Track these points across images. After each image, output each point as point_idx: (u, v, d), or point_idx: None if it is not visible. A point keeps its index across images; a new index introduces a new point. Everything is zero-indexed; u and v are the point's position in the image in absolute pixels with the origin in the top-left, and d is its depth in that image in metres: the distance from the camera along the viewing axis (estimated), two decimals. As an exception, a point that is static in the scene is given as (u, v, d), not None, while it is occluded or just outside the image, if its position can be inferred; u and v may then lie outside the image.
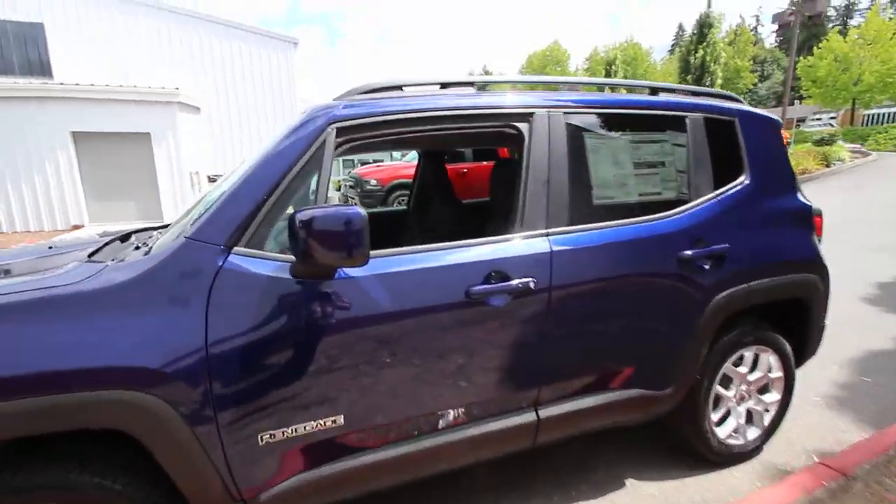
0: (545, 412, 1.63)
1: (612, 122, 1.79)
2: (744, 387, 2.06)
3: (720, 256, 1.80)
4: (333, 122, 1.39)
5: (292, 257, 1.24)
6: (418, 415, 1.46)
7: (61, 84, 10.24)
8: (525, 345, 1.55)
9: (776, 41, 46.20)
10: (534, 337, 1.56)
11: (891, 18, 26.58)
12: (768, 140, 2.05)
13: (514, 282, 1.48)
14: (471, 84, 1.66)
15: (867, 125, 28.25)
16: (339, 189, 11.87)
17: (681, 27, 49.77)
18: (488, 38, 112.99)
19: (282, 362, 1.26)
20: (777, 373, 2.10)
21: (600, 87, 2.31)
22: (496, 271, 1.47)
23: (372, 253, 1.27)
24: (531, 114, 1.62)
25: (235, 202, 1.28)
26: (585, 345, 1.67)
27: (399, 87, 1.57)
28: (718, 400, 2.02)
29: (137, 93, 10.14)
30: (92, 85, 10.12)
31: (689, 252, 1.74)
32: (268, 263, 1.26)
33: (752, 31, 42.53)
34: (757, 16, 53.83)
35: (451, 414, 1.50)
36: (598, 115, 1.75)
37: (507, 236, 1.55)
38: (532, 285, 1.49)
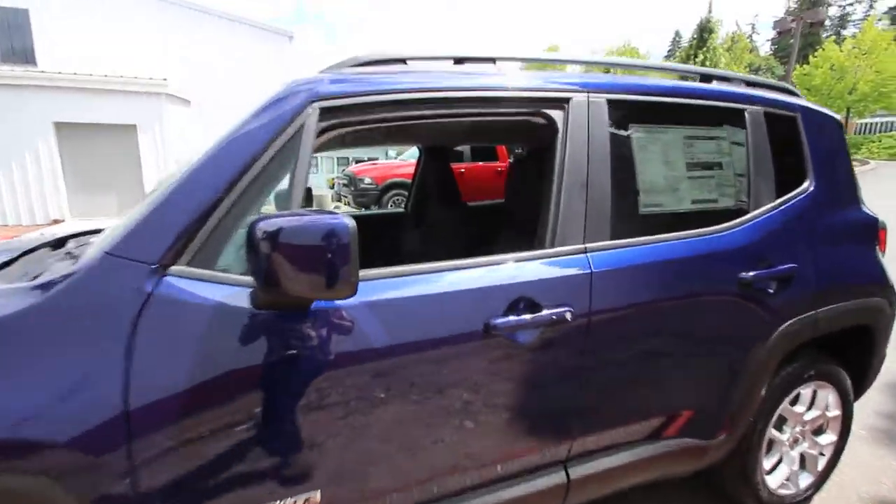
0: (576, 470, 1.31)
1: (664, 113, 1.46)
2: (799, 428, 1.76)
3: (786, 278, 1.49)
4: (316, 101, 1.06)
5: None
6: (415, 484, 1.14)
7: (43, 72, 9.77)
8: (555, 390, 1.23)
9: (771, 49, 46.45)
10: (565, 380, 1.24)
11: (885, 30, 26.73)
12: (831, 140, 1.76)
13: (546, 312, 1.15)
14: (492, 61, 1.33)
15: (860, 134, 28.38)
16: (332, 187, 11.54)
17: (678, 34, 50.00)
18: (478, 34, 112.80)
19: (237, 423, 0.92)
20: (835, 411, 1.80)
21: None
22: (523, 298, 1.15)
23: (361, 273, 0.94)
24: (567, 99, 1.30)
25: (177, 203, 0.95)
26: (627, 388, 1.36)
27: (402, 61, 1.24)
28: (771, 444, 1.72)
29: (123, 83, 9.69)
30: (76, 74, 9.63)
31: (751, 273, 1.43)
32: (219, 288, 0.93)
33: (747, 38, 42.66)
34: (752, 24, 54.31)
35: (455, 483, 1.18)
36: (649, 103, 1.43)
37: (534, 252, 1.23)
38: (568, 316, 1.17)
